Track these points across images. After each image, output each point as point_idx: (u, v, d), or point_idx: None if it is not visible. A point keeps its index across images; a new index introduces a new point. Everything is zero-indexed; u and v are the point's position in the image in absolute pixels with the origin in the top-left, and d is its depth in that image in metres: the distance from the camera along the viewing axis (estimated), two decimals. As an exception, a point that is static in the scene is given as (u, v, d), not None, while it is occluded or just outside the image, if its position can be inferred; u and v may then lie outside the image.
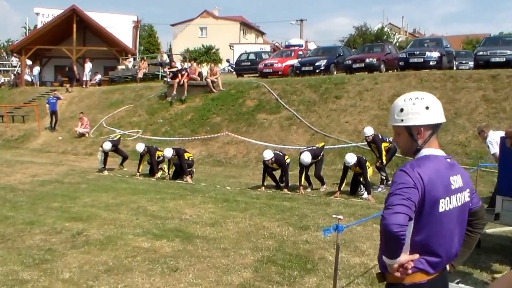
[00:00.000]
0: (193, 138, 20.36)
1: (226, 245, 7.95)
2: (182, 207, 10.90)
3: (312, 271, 6.76)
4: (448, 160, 2.93)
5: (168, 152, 14.64)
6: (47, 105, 26.45)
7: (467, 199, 2.97)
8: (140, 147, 15.64)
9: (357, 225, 8.44)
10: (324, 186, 12.87)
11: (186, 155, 14.69)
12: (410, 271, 2.76)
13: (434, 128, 2.93)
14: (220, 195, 12.18)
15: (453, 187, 2.86)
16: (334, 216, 5.74)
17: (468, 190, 2.98)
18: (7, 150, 24.19)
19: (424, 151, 2.91)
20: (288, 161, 13.07)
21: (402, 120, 2.94)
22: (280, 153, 13.26)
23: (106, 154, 16.56)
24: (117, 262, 7.21)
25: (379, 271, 2.98)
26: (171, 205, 11.11)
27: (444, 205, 2.80)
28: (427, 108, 2.89)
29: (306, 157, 12.18)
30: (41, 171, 16.69)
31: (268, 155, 12.69)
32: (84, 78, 33.61)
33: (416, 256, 2.78)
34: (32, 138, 25.80)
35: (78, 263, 7.19)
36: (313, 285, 6.26)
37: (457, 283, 5.91)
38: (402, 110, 2.94)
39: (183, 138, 20.50)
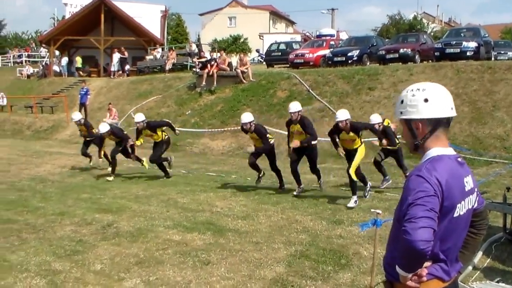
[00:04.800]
0: (223, 129, 20.21)
1: (258, 239, 7.82)
2: (213, 199, 10.79)
3: (346, 266, 6.60)
4: (459, 159, 2.71)
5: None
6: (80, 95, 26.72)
7: (475, 200, 2.76)
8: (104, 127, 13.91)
9: (392, 220, 8.22)
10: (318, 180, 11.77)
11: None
12: (424, 279, 2.57)
13: (436, 123, 2.68)
14: (252, 187, 11.99)
15: (466, 189, 2.65)
16: (372, 210, 5.56)
17: (475, 190, 2.77)
18: (36, 141, 24.47)
19: (434, 151, 2.67)
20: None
21: (401, 113, 2.78)
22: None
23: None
24: (148, 254, 7.15)
25: (386, 279, 2.79)
26: (202, 197, 11.00)
27: (459, 209, 2.61)
28: (425, 100, 2.67)
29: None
30: (70, 162, 16.76)
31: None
32: (112, 69, 33.79)
33: (429, 263, 2.59)
34: (60, 129, 26.05)
35: (109, 254, 7.16)
36: (347, 281, 6.11)
37: (498, 281, 5.71)
38: (402, 102, 2.78)
39: (213, 130, 20.39)
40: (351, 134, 10.32)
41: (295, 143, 10.84)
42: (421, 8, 74.44)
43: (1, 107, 32.97)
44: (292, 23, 76.38)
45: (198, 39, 61.13)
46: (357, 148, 10.41)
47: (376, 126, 10.98)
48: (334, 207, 9.98)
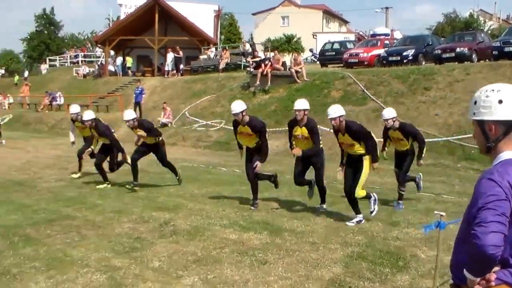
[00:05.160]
0: (277, 129, 20.15)
1: (315, 239, 7.78)
2: (268, 199, 10.80)
3: (404, 268, 6.51)
4: None
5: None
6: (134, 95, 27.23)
7: None
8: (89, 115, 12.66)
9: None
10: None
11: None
12: (493, 284, 2.50)
13: (510, 125, 2.62)
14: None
15: None
16: (436, 212, 5.45)
17: None
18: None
19: (506, 154, 2.60)
20: None
21: (474, 114, 2.75)
22: None
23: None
24: (206, 253, 7.18)
25: (452, 281, 2.76)
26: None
27: None
28: (500, 102, 2.62)
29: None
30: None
31: None
32: (166, 68, 34.24)
33: (498, 267, 2.51)
34: (116, 128, 26.36)
35: (167, 252, 7.21)
36: (405, 283, 6.02)
37: None
38: (475, 102, 2.75)
39: (267, 130, 20.28)
40: (347, 136, 8.72)
41: (297, 150, 9.46)
42: (478, 6, 73.12)
43: (59, 106, 33.91)
44: (345, 22, 75.81)
45: (251, 39, 61.29)
46: (361, 156, 8.71)
47: (390, 122, 9.76)
48: (389, 208, 9.89)
